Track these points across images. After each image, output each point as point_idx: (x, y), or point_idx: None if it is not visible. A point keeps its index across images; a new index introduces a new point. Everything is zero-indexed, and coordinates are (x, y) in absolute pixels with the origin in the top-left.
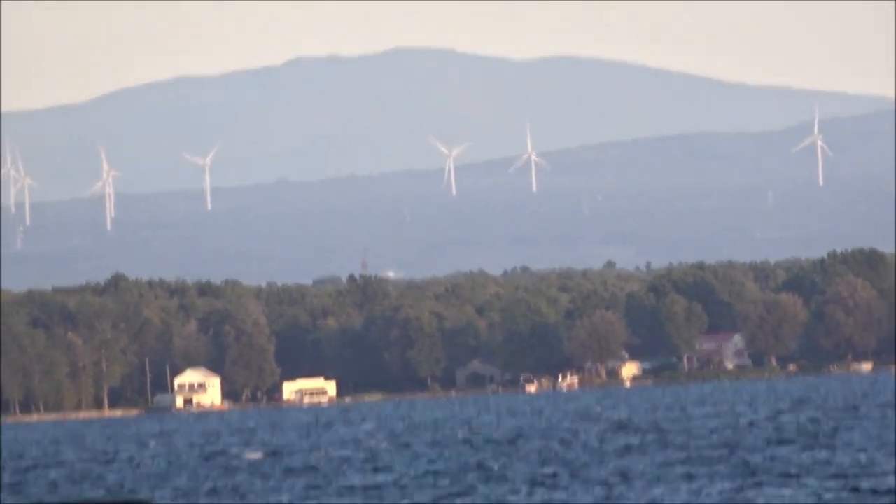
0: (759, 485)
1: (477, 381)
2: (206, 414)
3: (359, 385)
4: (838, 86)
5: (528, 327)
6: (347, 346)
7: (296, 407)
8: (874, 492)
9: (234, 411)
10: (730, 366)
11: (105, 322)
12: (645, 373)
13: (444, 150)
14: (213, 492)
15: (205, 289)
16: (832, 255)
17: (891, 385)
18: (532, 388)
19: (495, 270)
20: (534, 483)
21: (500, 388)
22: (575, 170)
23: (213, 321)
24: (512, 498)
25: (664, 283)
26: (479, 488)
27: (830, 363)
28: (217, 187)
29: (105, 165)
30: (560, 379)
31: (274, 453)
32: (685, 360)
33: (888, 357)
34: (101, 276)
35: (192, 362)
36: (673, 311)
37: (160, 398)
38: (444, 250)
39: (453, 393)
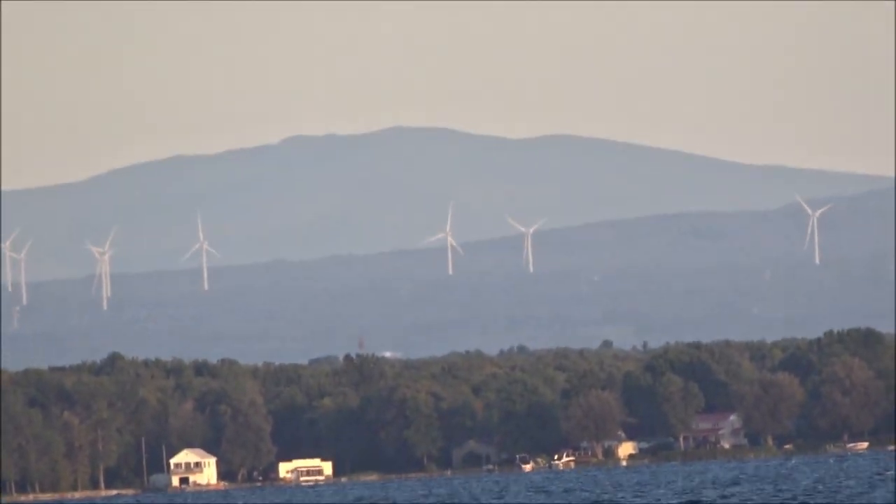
0: None
1: (473, 460)
2: (205, 491)
3: (355, 465)
4: (835, 165)
5: (525, 407)
6: (344, 425)
7: (292, 486)
8: None
9: (239, 490)
10: (726, 445)
11: (101, 401)
12: (641, 452)
13: (443, 229)
14: None
15: (201, 368)
16: (829, 334)
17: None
18: (528, 468)
19: (492, 350)
20: None
21: (496, 468)
22: (572, 249)
23: (210, 401)
24: None
25: (661, 363)
26: None
27: (827, 442)
28: (214, 267)
29: (104, 245)
30: (556, 458)
31: None
32: (681, 440)
33: (886, 437)
34: (98, 356)
35: (188, 442)
36: (669, 391)
37: (156, 478)
38: (441, 330)
39: (449, 472)
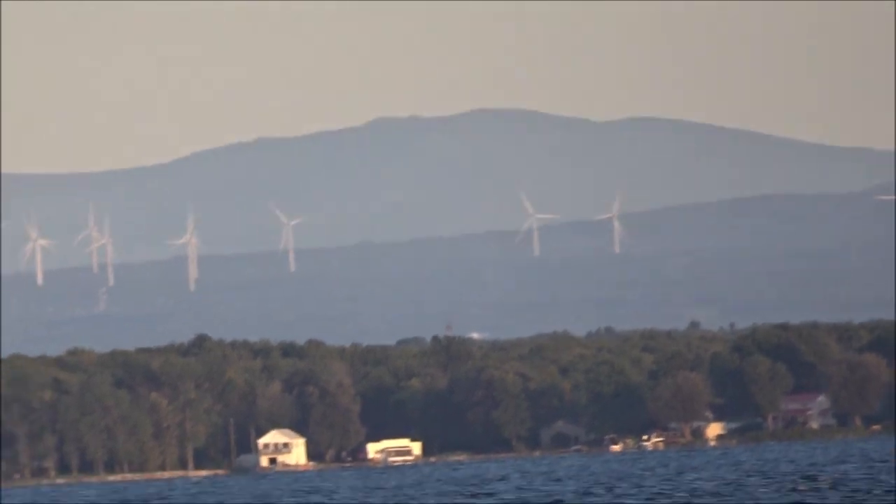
0: None
1: (561, 441)
2: (293, 472)
3: (444, 445)
4: None
5: (613, 388)
6: (432, 406)
7: (381, 467)
8: None
9: (328, 471)
10: (815, 426)
11: (189, 382)
12: (730, 433)
13: (529, 210)
14: None
15: (288, 349)
16: None
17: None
18: (616, 448)
19: (579, 331)
20: None
21: (584, 448)
22: (658, 231)
23: (297, 382)
24: None
25: (748, 344)
26: None
27: None
28: (300, 249)
29: (189, 226)
30: (644, 439)
31: None
32: (770, 420)
33: None
34: (184, 337)
35: (276, 423)
36: (757, 372)
37: (244, 458)
38: (528, 312)
39: (538, 453)
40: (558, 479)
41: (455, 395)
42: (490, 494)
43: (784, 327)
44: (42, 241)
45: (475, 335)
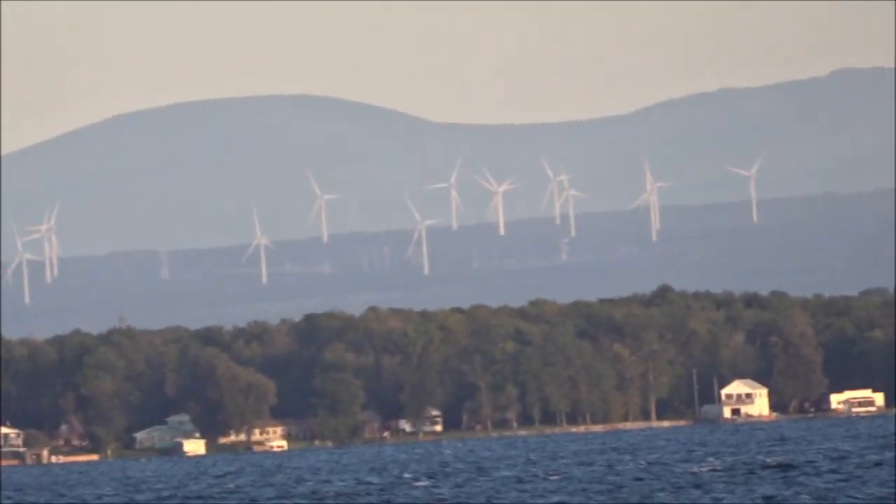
0: None
1: None
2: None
3: None
4: None
5: None
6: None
7: (843, 418)
8: None
9: (790, 421)
10: None
11: (651, 333)
12: None
13: None
14: None
15: (751, 300)
16: None
17: None
18: None
19: None
20: None
21: None
22: None
23: (760, 332)
24: None
25: None
26: None
27: None
28: (762, 199)
29: (649, 177)
30: None
31: None
32: None
33: None
34: (647, 288)
35: (739, 373)
36: None
37: (707, 409)
38: None
39: None
40: None
41: None
42: None
43: None
44: (503, 188)
45: None
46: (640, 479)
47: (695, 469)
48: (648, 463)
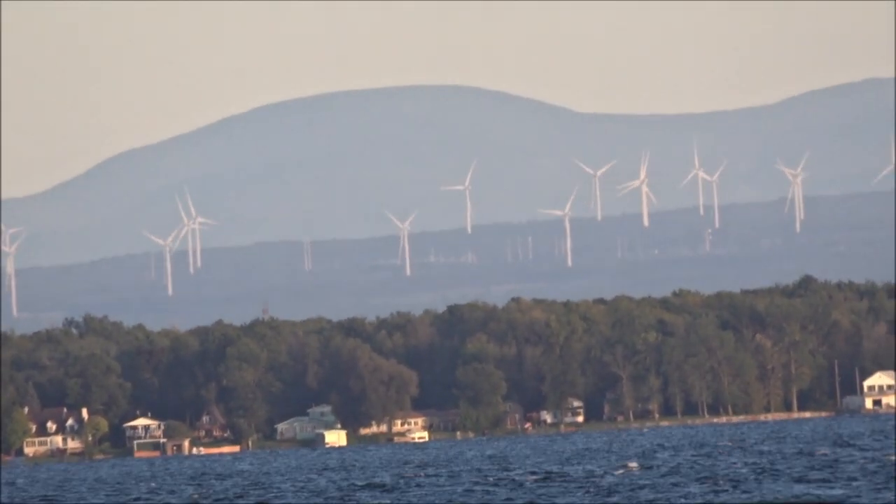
0: None
1: None
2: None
3: None
4: None
5: None
6: None
7: None
8: None
9: None
10: None
11: (794, 324)
12: None
13: None
14: None
15: (894, 291)
16: None
17: None
18: None
19: None
20: None
21: None
22: None
23: None
24: None
25: None
26: None
27: None
28: None
29: (793, 168)
30: None
31: None
32: None
33: None
34: (790, 278)
35: (881, 364)
36: None
37: (849, 400)
38: None
39: None
40: None
41: None
42: None
43: None
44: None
45: None
46: None
47: None
48: None
